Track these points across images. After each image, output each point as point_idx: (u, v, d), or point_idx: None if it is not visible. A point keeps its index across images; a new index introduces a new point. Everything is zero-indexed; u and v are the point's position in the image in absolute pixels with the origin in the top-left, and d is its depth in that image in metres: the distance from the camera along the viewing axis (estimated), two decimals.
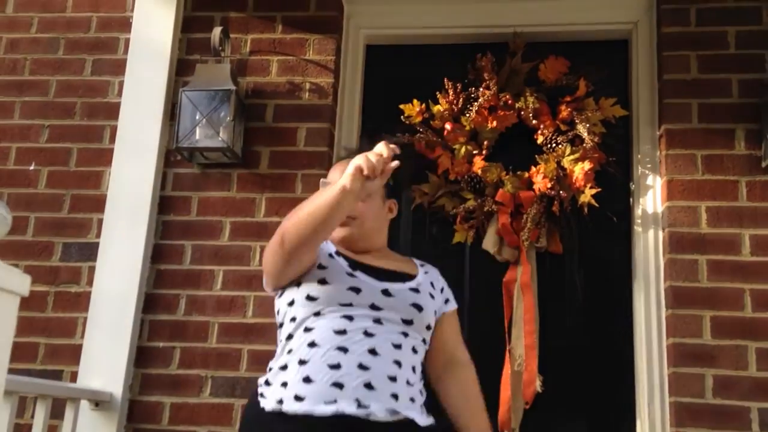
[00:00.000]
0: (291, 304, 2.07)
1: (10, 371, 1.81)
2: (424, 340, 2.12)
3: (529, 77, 3.35)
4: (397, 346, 1.99)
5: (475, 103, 3.25)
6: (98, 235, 3.24)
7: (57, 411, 2.76)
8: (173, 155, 3.33)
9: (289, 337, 2.05)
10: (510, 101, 3.26)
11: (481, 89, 3.28)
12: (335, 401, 1.87)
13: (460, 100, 3.29)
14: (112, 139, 3.37)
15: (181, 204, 3.28)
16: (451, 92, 3.30)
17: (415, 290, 2.11)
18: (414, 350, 2.05)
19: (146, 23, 3.46)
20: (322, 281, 2.03)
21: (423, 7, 3.50)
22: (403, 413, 1.94)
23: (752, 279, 2.93)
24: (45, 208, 3.35)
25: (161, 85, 3.37)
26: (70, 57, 3.56)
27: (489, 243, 3.15)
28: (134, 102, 3.38)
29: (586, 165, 3.12)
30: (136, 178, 3.26)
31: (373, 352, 1.93)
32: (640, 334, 3.06)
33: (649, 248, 3.13)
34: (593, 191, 3.10)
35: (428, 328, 2.13)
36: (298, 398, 1.89)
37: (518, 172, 3.22)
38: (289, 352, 2.01)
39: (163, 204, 3.28)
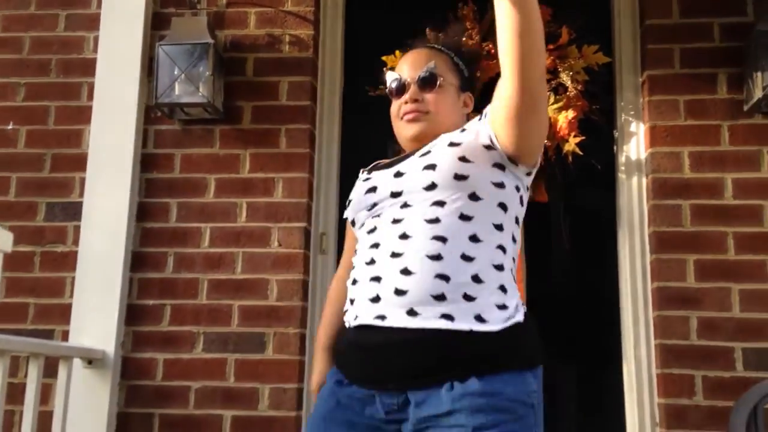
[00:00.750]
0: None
1: (0, 331, 1.81)
2: (473, 195, 1.74)
3: None
4: (433, 221, 1.73)
5: None
6: (81, 195, 3.21)
7: (50, 370, 2.77)
8: (153, 111, 3.29)
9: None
10: (493, 51, 3.23)
11: (463, 39, 3.25)
12: (378, 298, 1.73)
13: None
14: (90, 97, 3.31)
15: (164, 161, 3.25)
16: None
17: (426, 153, 1.84)
18: (464, 217, 1.73)
19: None
20: (348, 203, 1.96)
21: None
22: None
23: (735, 222, 2.99)
24: (26, 168, 3.31)
25: (137, 40, 3.31)
26: (43, 12, 3.49)
27: None
28: (110, 58, 3.31)
29: (570, 114, 3.11)
30: (117, 136, 3.21)
31: (403, 236, 1.74)
32: (625, 279, 3.12)
33: (633, 195, 3.16)
34: (577, 140, 3.08)
35: (459, 177, 1.74)
36: (351, 301, 1.83)
37: None
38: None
39: (145, 162, 3.25)
